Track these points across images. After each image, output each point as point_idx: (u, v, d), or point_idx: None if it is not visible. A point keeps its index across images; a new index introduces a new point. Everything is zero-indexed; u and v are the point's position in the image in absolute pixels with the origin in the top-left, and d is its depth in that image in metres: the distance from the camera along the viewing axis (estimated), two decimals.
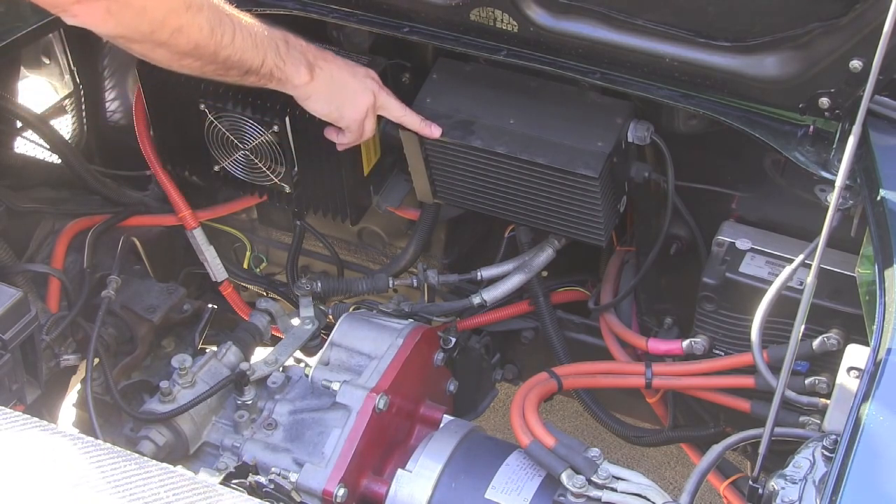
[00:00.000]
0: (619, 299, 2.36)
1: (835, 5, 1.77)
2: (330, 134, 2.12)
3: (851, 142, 1.57)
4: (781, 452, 1.73)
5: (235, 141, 2.25)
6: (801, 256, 1.86)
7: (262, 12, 2.08)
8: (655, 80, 1.98)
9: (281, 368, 2.19)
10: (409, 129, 2.12)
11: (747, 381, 2.09)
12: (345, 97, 2.04)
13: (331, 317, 2.37)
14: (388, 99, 2.09)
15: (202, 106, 2.22)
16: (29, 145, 2.60)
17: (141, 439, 2.07)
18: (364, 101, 2.06)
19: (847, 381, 1.69)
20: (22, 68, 2.62)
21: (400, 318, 2.31)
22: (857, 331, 1.84)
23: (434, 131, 2.11)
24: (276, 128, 2.17)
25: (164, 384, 2.09)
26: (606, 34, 1.96)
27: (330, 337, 2.21)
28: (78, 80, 2.71)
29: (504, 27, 2.02)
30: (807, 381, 2.04)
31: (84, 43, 2.66)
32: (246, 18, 1.91)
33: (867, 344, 1.61)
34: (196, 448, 2.11)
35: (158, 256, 2.61)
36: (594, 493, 1.89)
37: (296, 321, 2.33)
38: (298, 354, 2.31)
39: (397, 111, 2.11)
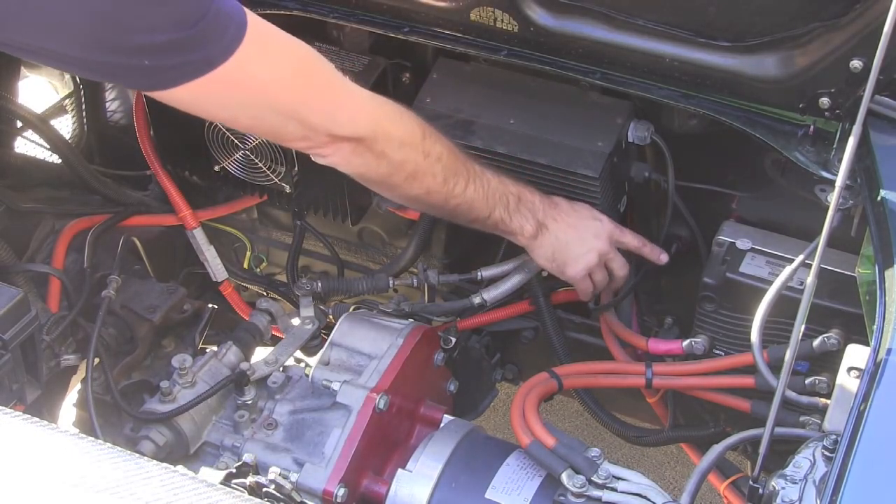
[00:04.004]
0: (619, 299, 2.36)
1: (835, 5, 1.77)
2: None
3: (851, 142, 1.57)
4: (781, 452, 1.73)
5: (235, 141, 2.25)
6: (801, 256, 1.86)
7: (263, 12, 2.08)
8: (655, 80, 1.98)
9: (281, 368, 2.19)
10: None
11: (747, 381, 2.09)
12: (567, 256, 2.10)
13: (331, 317, 2.37)
14: (622, 238, 2.14)
15: None
16: (29, 145, 2.60)
17: (141, 439, 2.06)
18: (586, 261, 2.11)
19: (847, 381, 1.68)
20: (22, 68, 2.62)
21: (400, 318, 2.31)
22: (857, 331, 1.84)
23: (662, 258, 2.20)
24: None
25: (164, 384, 2.09)
26: (606, 34, 1.96)
27: (330, 337, 2.21)
28: (78, 79, 2.71)
29: (504, 27, 2.02)
30: (807, 381, 2.03)
31: None
32: (480, 168, 1.97)
33: (867, 344, 1.61)
34: (196, 448, 2.10)
35: (158, 256, 2.60)
36: (594, 493, 1.88)
37: (296, 321, 2.33)
38: (298, 354, 2.30)
39: (634, 245, 2.17)
